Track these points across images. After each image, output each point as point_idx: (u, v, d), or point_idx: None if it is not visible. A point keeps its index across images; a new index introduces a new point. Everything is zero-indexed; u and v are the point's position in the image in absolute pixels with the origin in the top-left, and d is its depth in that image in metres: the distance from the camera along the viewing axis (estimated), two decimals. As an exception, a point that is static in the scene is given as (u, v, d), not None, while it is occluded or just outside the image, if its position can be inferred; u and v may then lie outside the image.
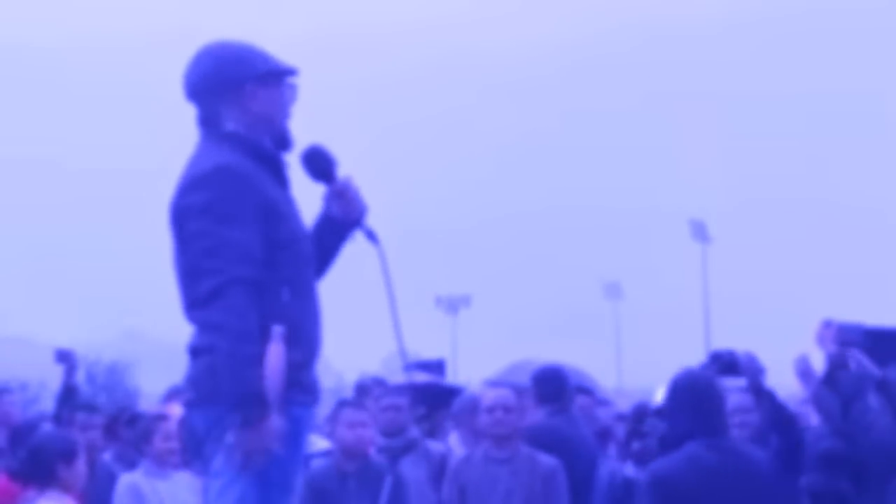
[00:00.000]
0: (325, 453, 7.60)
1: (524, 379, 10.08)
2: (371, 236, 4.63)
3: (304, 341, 4.42)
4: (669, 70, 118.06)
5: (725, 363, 7.56)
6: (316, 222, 4.69)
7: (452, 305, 65.35)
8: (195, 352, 4.44)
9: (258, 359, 4.20)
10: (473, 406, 8.18)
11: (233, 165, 4.38)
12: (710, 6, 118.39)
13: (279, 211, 4.44)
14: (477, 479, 7.23)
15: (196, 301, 4.28)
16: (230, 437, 4.21)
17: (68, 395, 9.18)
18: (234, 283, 4.22)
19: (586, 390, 10.05)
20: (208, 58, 4.54)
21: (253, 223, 4.32)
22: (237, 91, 4.51)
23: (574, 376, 9.82)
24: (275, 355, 4.23)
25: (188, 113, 4.61)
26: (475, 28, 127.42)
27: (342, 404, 7.68)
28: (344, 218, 4.65)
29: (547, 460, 7.31)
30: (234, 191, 4.33)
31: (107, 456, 8.31)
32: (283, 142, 4.60)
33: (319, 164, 4.61)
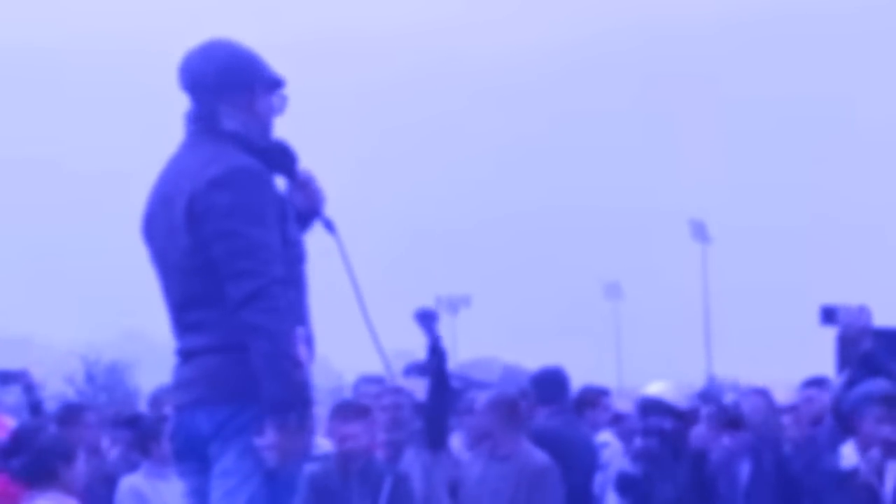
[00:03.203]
0: (324, 457, 7.61)
1: (485, 376, 10.13)
2: (329, 226, 4.72)
3: (310, 340, 4.46)
4: (669, 70, 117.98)
5: (729, 419, 7.71)
6: None
7: (452, 305, 65.31)
8: (195, 352, 4.44)
9: (297, 361, 4.23)
10: (472, 407, 8.20)
11: (252, 166, 4.43)
12: (712, 6, 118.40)
13: (285, 211, 4.48)
14: (468, 476, 7.25)
15: (229, 301, 4.28)
16: (266, 437, 4.22)
17: (34, 413, 9.07)
18: (273, 285, 4.27)
19: (604, 391, 10.06)
20: (223, 53, 4.60)
21: (274, 224, 4.36)
22: (247, 92, 4.54)
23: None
24: (302, 357, 4.26)
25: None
26: (472, 31, 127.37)
27: (338, 411, 7.61)
28: (304, 209, 4.68)
29: (540, 458, 7.31)
30: (258, 191, 4.39)
31: (113, 454, 8.31)
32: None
33: (280, 158, 4.65)
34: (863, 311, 7.77)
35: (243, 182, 4.37)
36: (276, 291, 4.26)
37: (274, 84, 4.61)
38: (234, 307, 4.27)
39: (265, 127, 4.59)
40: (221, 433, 4.34)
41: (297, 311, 4.41)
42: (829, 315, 7.70)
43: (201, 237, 4.36)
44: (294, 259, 4.50)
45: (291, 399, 4.22)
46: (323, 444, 7.91)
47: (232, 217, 4.32)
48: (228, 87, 4.54)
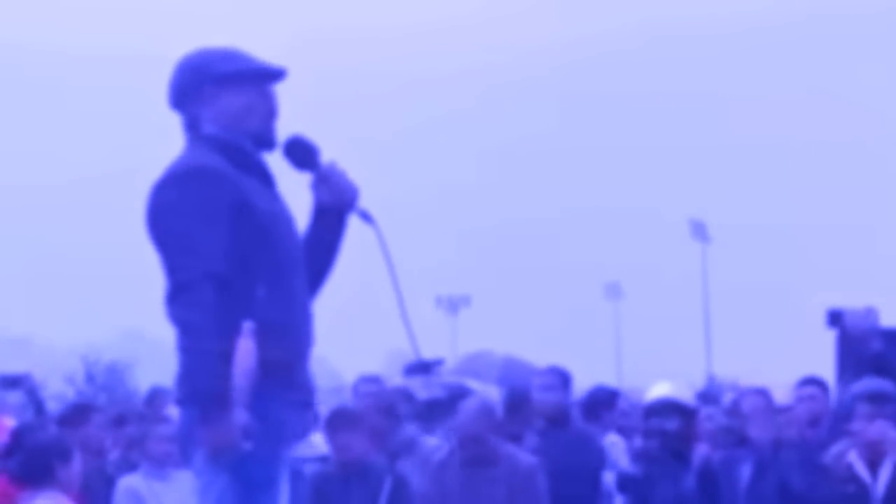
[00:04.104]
0: (321, 458, 7.59)
1: (485, 370, 10.11)
2: (365, 217, 4.63)
3: (284, 339, 4.40)
4: (670, 70, 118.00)
5: (735, 439, 7.75)
6: (311, 214, 4.69)
7: (452, 305, 65.32)
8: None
9: (220, 354, 4.20)
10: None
11: (204, 165, 4.42)
12: (713, 7, 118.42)
13: (255, 209, 4.42)
14: (457, 481, 7.23)
15: (167, 297, 4.32)
16: (198, 434, 4.24)
17: (38, 415, 9.06)
18: (201, 279, 4.26)
19: (616, 392, 10.08)
20: (175, 68, 4.64)
21: (223, 221, 4.34)
22: (198, 95, 4.55)
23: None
24: (244, 351, 4.22)
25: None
26: (475, 31, 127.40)
27: (332, 420, 7.54)
28: (335, 204, 4.63)
29: (526, 460, 7.32)
30: (204, 189, 4.36)
31: (114, 454, 8.31)
32: (265, 141, 4.60)
33: (299, 153, 4.62)
34: (870, 312, 7.78)
35: (189, 180, 4.39)
36: (202, 286, 4.25)
37: (236, 76, 4.56)
38: (165, 301, 4.31)
39: (242, 121, 4.55)
40: (193, 431, 4.36)
41: (266, 309, 4.37)
42: (835, 318, 7.70)
43: (157, 238, 4.41)
44: (270, 257, 4.44)
45: (206, 394, 4.20)
46: (319, 443, 7.88)
47: (173, 216, 4.36)
48: (186, 96, 4.59)
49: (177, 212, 4.36)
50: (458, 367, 11.52)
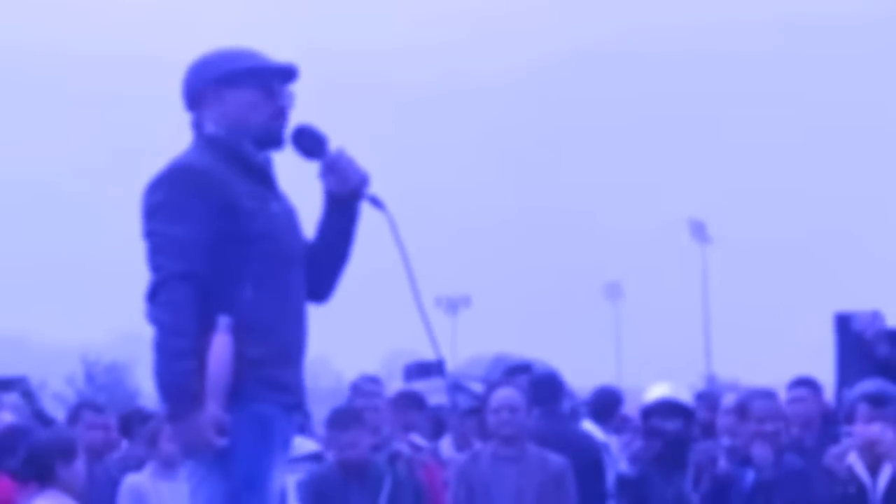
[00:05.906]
0: (313, 456, 7.59)
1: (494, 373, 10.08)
2: (376, 203, 4.58)
3: (272, 339, 4.39)
4: (670, 70, 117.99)
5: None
6: (322, 204, 4.67)
7: (452, 305, 65.29)
8: None
9: (189, 352, 4.20)
10: (465, 411, 8.21)
11: (190, 165, 4.42)
12: (713, 7, 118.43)
13: (245, 210, 4.39)
14: (486, 479, 7.21)
15: (147, 296, 4.34)
16: (172, 432, 4.26)
17: (38, 421, 9.03)
18: (175, 279, 4.26)
19: (620, 395, 10.06)
20: (190, 67, 4.63)
21: (206, 221, 4.33)
22: (201, 97, 4.55)
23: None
24: (219, 346, 4.22)
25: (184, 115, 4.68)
26: (477, 30, 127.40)
27: (333, 419, 7.53)
28: (345, 192, 4.61)
29: (556, 459, 7.30)
30: (187, 189, 4.36)
31: (115, 456, 8.30)
32: (270, 140, 4.59)
33: (306, 142, 4.60)
34: (876, 316, 7.79)
35: (173, 181, 4.39)
36: (175, 285, 4.25)
37: (238, 75, 4.54)
38: (145, 299, 4.33)
39: (243, 120, 4.52)
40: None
41: (253, 308, 4.34)
42: (843, 322, 7.70)
43: (143, 236, 4.42)
44: (260, 256, 4.42)
45: (172, 391, 4.21)
46: (309, 445, 7.85)
47: (155, 216, 4.37)
48: (191, 99, 4.59)
49: (161, 211, 4.36)
50: (487, 368, 11.47)
